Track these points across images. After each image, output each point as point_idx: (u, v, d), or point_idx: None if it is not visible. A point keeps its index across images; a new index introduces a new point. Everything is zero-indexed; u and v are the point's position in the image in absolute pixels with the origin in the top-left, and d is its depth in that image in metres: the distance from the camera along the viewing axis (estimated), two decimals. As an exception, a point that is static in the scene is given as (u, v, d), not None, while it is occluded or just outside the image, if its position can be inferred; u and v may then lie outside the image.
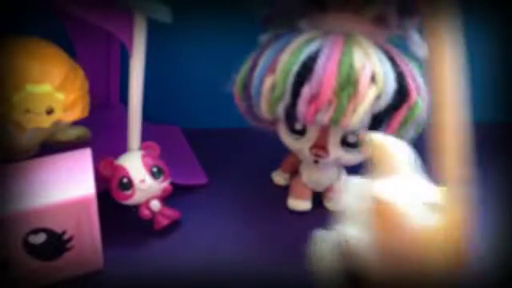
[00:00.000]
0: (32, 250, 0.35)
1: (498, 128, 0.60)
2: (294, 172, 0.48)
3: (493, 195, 0.46)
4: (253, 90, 0.41)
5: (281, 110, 0.40)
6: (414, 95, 0.37)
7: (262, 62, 0.40)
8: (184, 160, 0.52)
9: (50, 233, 0.35)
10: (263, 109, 0.41)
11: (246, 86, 0.42)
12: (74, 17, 0.46)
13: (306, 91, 0.37)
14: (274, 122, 0.44)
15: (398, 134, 0.39)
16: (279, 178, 0.50)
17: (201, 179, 0.49)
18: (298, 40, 0.39)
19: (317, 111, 0.37)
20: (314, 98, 0.37)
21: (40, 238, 0.35)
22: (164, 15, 0.41)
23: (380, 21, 0.40)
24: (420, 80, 0.39)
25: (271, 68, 0.39)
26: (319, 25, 0.41)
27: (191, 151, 0.54)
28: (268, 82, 0.39)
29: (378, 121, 0.38)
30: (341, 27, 0.40)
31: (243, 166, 0.52)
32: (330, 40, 0.38)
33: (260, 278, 0.37)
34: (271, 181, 0.50)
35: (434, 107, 0.24)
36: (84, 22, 0.40)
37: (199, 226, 0.43)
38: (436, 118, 0.24)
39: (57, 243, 0.36)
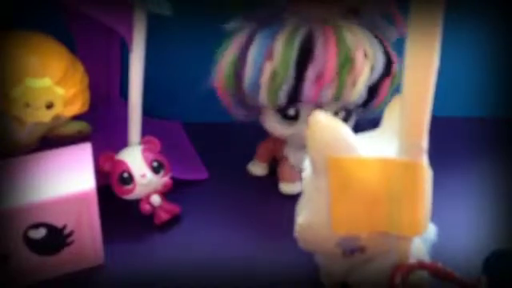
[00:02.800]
0: (32, 244, 0.35)
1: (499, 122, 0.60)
2: (271, 160, 0.49)
3: (493, 190, 0.46)
4: (248, 81, 0.41)
5: (283, 94, 0.41)
6: (395, 65, 0.42)
7: (254, 52, 0.41)
8: (184, 155, 0.52)
9: (50, 227, 0.35)
10: (263, 96, 0.41)
11: (236, 78, 0.42)
12: (74, 11, 0.46)
13: (310, 72, 0.39)
14: (260, 112, 0.45)
15: (386, 100, 0.42)
16: (256, 168, 0.50)
17: (201, 174, 0.49)
18: (287, 28, 0.40)
19: (321, 90, 0.40)
20: (318, 77, 0.39)
21: (40, 233, 0.35)
22: (164, 9, 0.41)
23: (353, 11, 0.43)
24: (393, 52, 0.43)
25: (268, 56, 0.40)
26: (299, 14, 0.42)
27: (192, 146, 0.54)
28: (267, 70, 0.40)
29: (372, 92, 0.42)
30: (319, 16, 0.41)
31: (243, 161, 0.51)
32: (318, 26, 0.40)
33: (261, 275, 0.37)
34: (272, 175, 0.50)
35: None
36: (84, 16, 0.40)
37: (199, 221, 0.43)
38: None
39: (57, 238, 0.36)
